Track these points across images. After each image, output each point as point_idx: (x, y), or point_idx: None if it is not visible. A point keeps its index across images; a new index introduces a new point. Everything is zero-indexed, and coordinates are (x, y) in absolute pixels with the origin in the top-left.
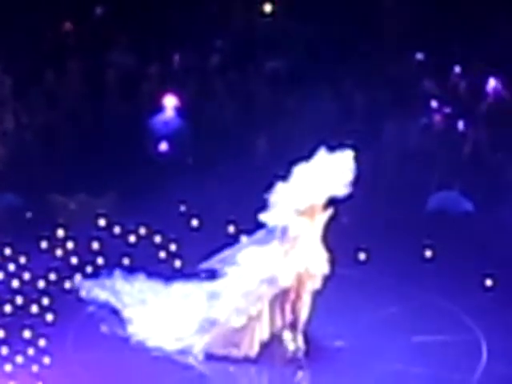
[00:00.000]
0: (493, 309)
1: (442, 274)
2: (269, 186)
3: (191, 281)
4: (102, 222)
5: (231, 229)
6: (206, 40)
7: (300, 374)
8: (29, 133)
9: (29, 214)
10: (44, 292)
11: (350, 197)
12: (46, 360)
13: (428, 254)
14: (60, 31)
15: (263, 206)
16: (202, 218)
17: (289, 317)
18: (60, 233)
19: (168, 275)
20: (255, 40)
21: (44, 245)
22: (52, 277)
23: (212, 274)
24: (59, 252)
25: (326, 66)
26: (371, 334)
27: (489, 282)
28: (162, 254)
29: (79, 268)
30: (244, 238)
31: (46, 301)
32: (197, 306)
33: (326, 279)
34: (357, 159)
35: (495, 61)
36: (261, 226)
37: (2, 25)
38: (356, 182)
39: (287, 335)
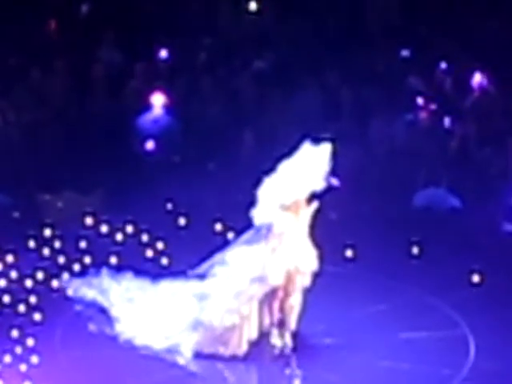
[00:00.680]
0: (480, 305)
1: (430, 270)
2: (256, 184)
3: (179, 279)
4: (88, 221)
5: (218, 226)
6: (194, 38)
7: (288, 371)
8: (15, 131)
9: (16, 214)
10: (31, 291)
11: (337, 193)
12: (34, 359)
13: (415, 250)
14: (46, 28)
15: (251, 203)
16: (189, 216)
17: (277, 315)
18: (47, 232)
19: (155, 273)
20: (242, 37)
21: (31, 244)
22: (39, 276)
23: (201, 274)
24: (46, 251)
25: (313, 63)
26: (359, 330)
27: (476, 278)
28: (150, 253)
29: (66, 267)
30: (231, 235)
31: (33, 300)
32: (185, 304)
33: (314, 276)
34: (343, 155)
35: (481, 56)
36: (248, 223)
37: None
38: (343, 179)
39: (275, 332)
